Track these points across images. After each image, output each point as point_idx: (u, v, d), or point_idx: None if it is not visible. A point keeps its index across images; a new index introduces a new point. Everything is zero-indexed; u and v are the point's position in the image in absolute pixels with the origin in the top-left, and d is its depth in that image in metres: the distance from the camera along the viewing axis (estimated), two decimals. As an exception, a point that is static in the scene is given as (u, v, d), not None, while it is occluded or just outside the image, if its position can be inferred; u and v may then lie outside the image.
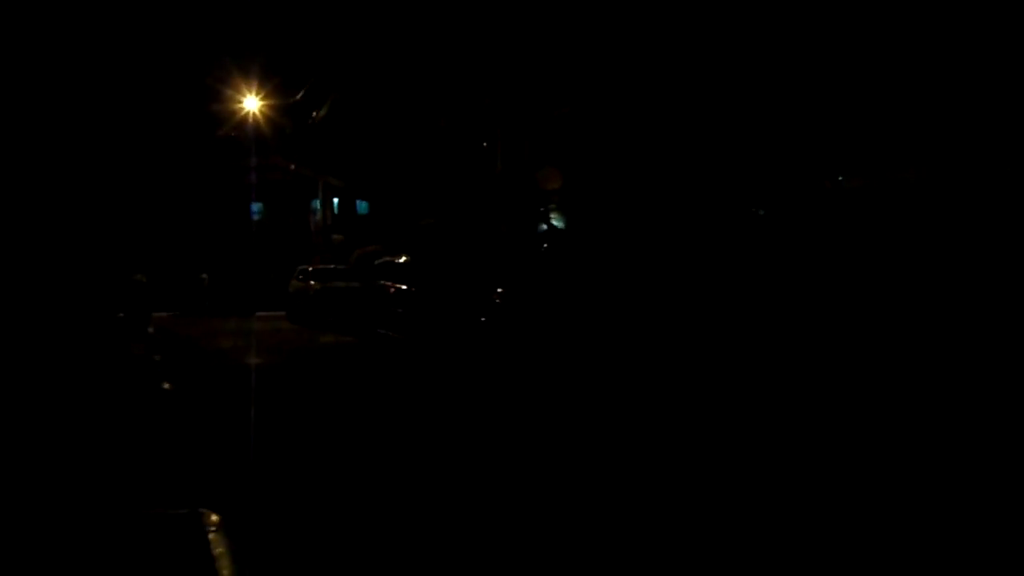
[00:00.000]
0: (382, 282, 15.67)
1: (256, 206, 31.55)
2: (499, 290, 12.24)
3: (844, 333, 9.63)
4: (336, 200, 29.81)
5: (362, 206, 30.26)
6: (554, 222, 18.59)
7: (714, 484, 5.22)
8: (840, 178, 14.50)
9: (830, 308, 10.21)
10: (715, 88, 16.12)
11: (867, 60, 13.68)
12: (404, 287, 14.78)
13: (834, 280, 10.79)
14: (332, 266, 21.24)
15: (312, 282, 19.76)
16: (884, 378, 8.54)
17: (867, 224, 12.28)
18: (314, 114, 26.15)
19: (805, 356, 9.42)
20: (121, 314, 15.35)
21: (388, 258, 16.54)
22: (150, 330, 17.00)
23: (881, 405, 7.79)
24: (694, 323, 10.46)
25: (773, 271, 11.63)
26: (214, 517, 4.07)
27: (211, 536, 3.84)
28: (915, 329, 9.31)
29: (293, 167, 27.94)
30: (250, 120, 25.57)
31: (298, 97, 25.81)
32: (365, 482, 5.30)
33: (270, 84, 25.00)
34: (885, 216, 12.34)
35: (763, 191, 16.21)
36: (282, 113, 26.00)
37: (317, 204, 29.47)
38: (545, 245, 14.68)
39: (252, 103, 25.03)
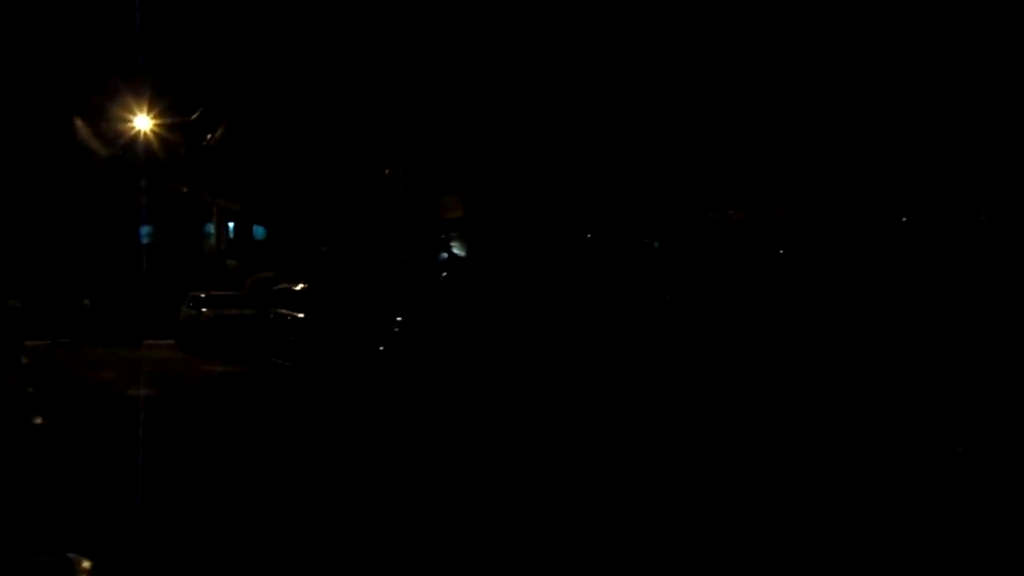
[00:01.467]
0: (278, 310, 15.30)
1: (146, 229, 30.22)
2: (398, 319, 12.17)
3: (715, 347, 10.33)
4: (231, 224, 28.95)
5: (259, 231, 29.50)
6: (455, 250, 18.69)
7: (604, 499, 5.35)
8: (729, 212, 15.28)
9: (708, 329, 10.80)
10: (612, 125, 16.71)
11: (759, 104, 14.51)
12: (301, 315, 14.47)
13: (715, 300, 11.47)
14: (225, 293, 20.55)
15: (204, 309, 19.06)
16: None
17: (746, 252, 13.09)
18: (209, 135, 25.44)
19: (690, 373, 10.00)
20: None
21: (285, 285, 16.17)
22: (24, 360, 16.00)
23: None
24: (584, 352, 10.71)
25: (665, 296, 12.14)
26: (85, 564, 3.86)
27: (80, 583, 3.64)
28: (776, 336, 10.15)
29: (186, 189, 27.00)
30: (141, 139, 24.61)
31: (193, 117, 25.08)
32: (252, 523, 5.13)
33: (163, 103, 24.19)
34: (763, 245, 13.16)
35: (658, 222, 16.86)
36: (176, 133, 25.17)
37: (211, 228, 28.51)
38: (445, 274, 14.73)
39: (143, 122, 24.09)
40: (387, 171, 23.08)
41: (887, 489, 6.06)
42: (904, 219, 11.69)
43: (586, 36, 16.54)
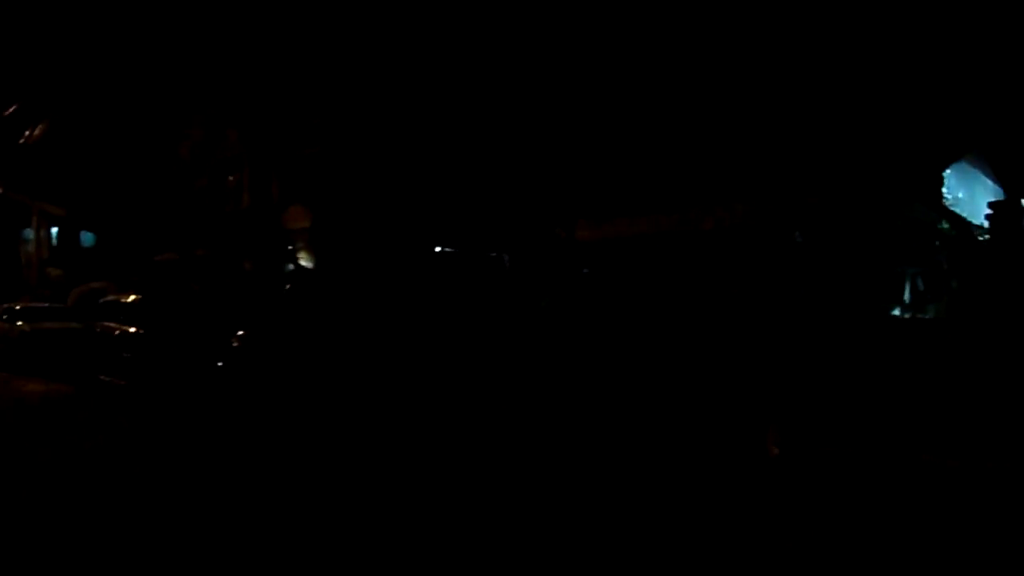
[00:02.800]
0: (106, 323, 14.33)
1: (-48, 234, 27.38)
2: (239, 333, 11.75)
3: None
4: (55, 230, 26.78)
5: (88, 238, 27.45)
6: (301, 262, 18.25)
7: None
8: (559, 229, 15.90)
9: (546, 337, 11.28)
10: (465, 137, 16.93)
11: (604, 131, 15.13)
12: (132, 329, 13.63)
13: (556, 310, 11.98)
14: (46, 304, 18.99)
15: (19, 323, 17.50)
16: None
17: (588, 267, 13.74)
18: (28, 133, 23.46)
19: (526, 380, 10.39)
20: None
21: (115, 296, 15.17)
22: None
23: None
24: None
25: (510, 307, 12.50)
26: None
27: None
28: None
29: (1, 190, 24.74)
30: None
31: (8, 112, 23.06)
32: (72, 560, 4.82)
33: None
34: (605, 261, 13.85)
35: (508, 237, 17.25)
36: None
37: (30, 234, 26.25)
38: (288, 286, 14.35)
39: (-50, 116, 21.92)
40: (232, 178, 22.18)
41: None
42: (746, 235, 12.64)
43: (435, 45, 16.63)
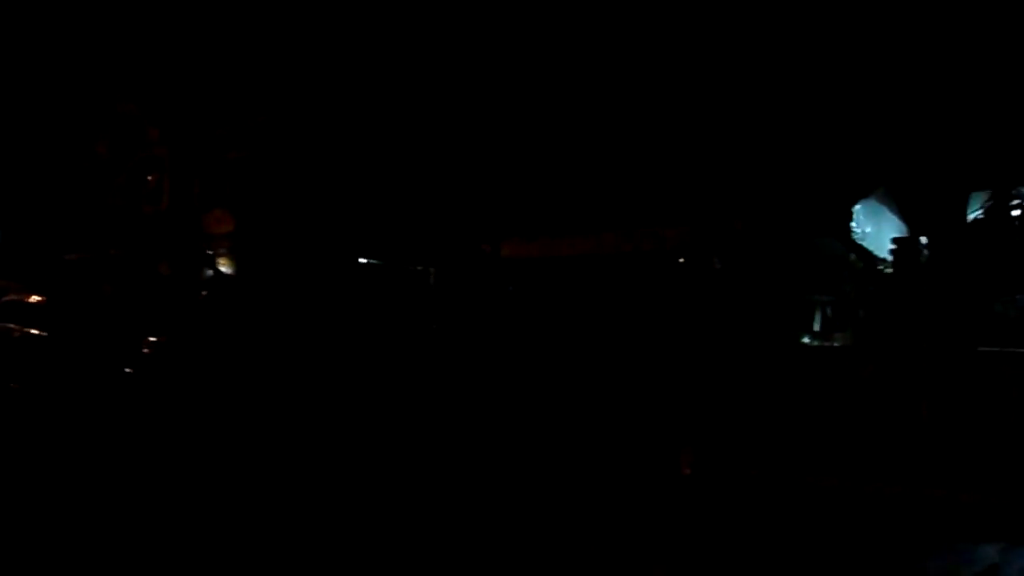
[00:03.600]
0: (6, 324, 13.65)
1: None
2: (151, 339, 11.37)
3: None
4: (-45, 225, 25.30)
5: (-9, 233, 26.04)
6: (221, 268, 17.76)
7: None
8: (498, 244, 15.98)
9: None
10: (393, 148, 16.84)
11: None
12: (35, 331, 13.02)
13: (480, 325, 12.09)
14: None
15: (-90, 321, 16.44)
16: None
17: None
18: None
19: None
20: None
21: (16, 296, 14.45)
22: None
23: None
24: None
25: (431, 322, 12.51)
26: None
27: None
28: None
29: None
30: None
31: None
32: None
33: None
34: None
35: (433, 251, 17.18)
36: None
37: (-74, 228, 24.72)
38: (206, 292, 13.98)
39: None
40: (151, 178, 21.46)
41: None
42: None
43: (364, 50, 16.47)
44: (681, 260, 12.80)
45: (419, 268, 16.38)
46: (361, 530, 6.09)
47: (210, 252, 18.61)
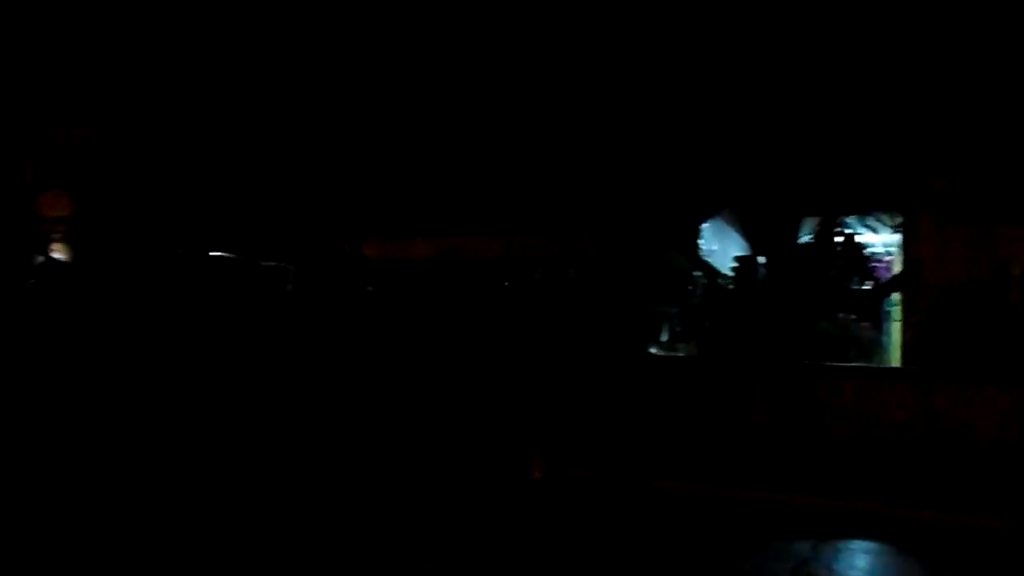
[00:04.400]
0: None
1: None
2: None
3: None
4: None
5: None
6: (54, 254, 16.45)
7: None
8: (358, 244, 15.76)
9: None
10: (252, 140, 16.21)
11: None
12: None
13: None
14: None
15: None
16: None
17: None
18: None
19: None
20: None
21: None
22: None
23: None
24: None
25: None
26: None
27: None
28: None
29: None
30: None
31: None
32: None
33: None
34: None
35: (293, 247, 16.67)
36: None
37: None
38: (34, 279, 12.91)
39: None
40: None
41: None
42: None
43: (216, 32, 15.78)
44: (538, 267, 13.12)
45: (277, 265, 15.86)
46: (182, 529, 5.85)
47: (43, 236, 17.19)
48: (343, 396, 10.62)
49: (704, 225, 14.42)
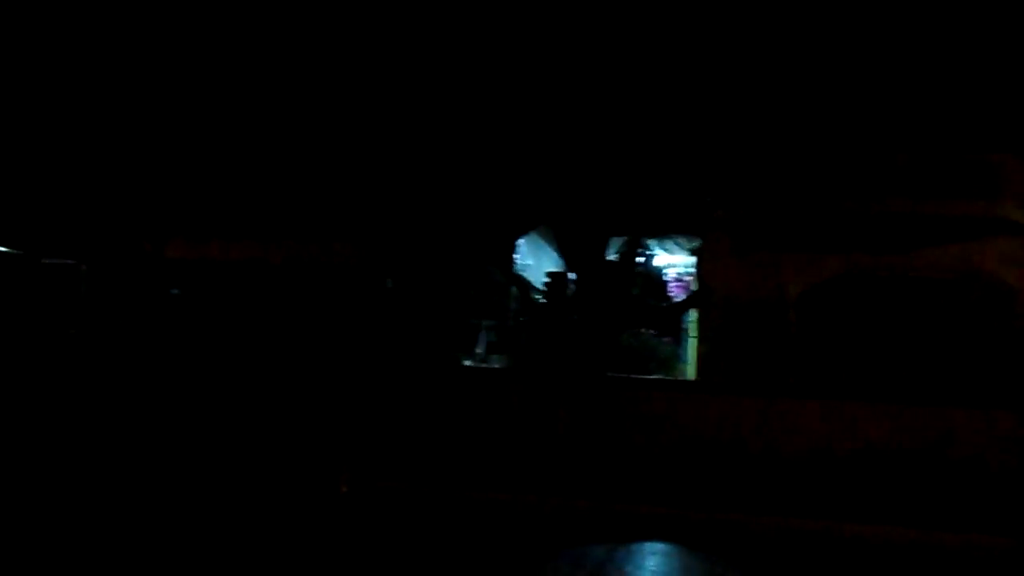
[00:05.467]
0: None
1: None
2: None
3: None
4: None
5: None
6: None
7: None
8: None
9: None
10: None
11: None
12: None
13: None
14: None
15: None
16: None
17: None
18: None
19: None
20: None
21: None
22: None
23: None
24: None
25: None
26: None
27: None
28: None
29: None
30: None
31: None
32: None
33: None
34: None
35: (87, 245, 15.33)
36: None
37: None
38: None
39: None
40: None
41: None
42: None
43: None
44: (355, 277, 12.93)
45: (64, 263, 14.50)
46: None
47: None
48: (136, 406, 9.87)
49: (520, 241, 14.85)
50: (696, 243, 12.35)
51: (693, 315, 13.96)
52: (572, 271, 12.81)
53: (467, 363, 13.40)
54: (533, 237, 15.43)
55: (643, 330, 13.45)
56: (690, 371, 14.10)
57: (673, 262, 13.54)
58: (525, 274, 15.34)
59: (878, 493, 9.62)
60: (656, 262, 12.98)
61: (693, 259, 12.67)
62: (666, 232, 12.08)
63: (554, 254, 15.20)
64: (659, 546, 7.91)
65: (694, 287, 13.45)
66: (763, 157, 12.22)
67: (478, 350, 14.13)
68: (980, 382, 13.24)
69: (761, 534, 8.40)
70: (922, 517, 8.66)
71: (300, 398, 10.04)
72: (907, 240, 13.41)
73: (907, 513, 8.76)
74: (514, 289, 13.62)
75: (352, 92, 12.86)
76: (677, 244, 12.41)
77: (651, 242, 12.17)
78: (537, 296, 13.19)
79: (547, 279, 13.02)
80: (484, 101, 12.24)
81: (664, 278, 14.08)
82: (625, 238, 12.17)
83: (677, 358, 14.40)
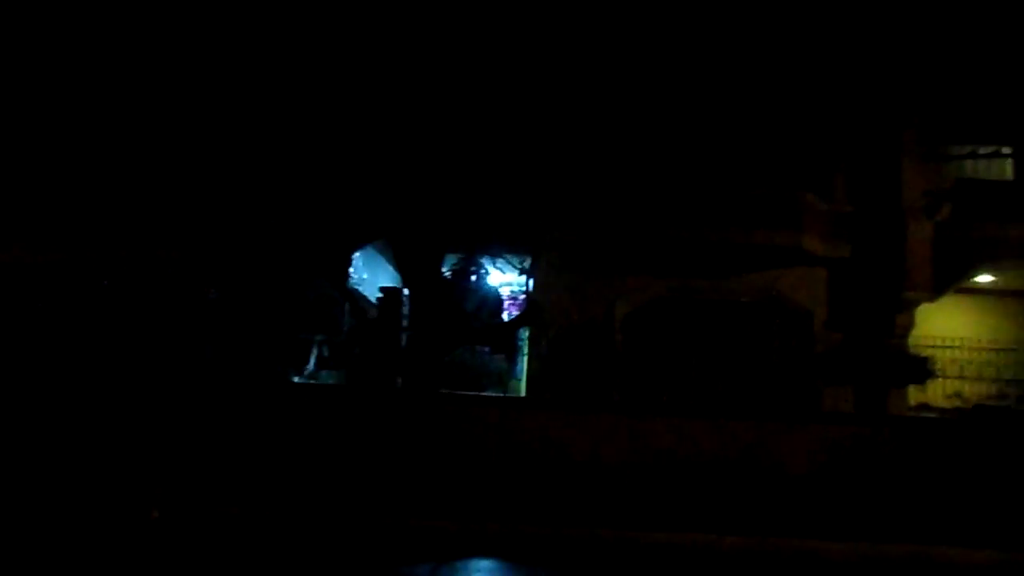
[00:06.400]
0: None
1: None
2: None
3: None
4: None
5: None
6: None
7: None
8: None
9: None
10: None
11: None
12: None
13: None
14: None
15: None
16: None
17: None
18: None
19: None
20: None
21: None
22: None
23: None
24: None
25: None
26: None
27: None
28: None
29: None
30: None
31: None
32: None
33: None
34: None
35: None
36: None
37: None
38: None
39: None
40: None
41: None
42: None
43: None
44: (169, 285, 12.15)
45: None
46: None
47: None
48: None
49: (356, 254, 14.57)
50: (528, 262, 12.63)
51: (527, 333, 14.26)
52: (408, 287, 12.71)
53: (295, 379, 12.95)
54: (370, 251, 15.19)
55: (477, 347, 13.57)
56: (523, 387, 14.36)
57: (508, 280, 13.78)
58: (360, 288, 15.06)
59: (695, 501, 10.19)
60: (492, 280, 13.14)
61: (527, 278, 12.95)
62: (500, 250, 12.27)
63: (391, 269, 15.04)
64: (484, 563, 7.95)
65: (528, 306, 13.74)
66: (591, 185, 12.73)
67: (308, 366, 13.69)
68: (784, 397, 14.42)
69: (583, 545, 8.65)
70: (736, 522, 9.21)
71: (108, 415, 9.27)
72: (721, 266, 14.41)
73: (722, 519, 9.31)
74: (347, 304, 13.34)
75: (170, 92, 12.13)
76: (510, 263, 12.64)
77: (485, 260, 12.31)
78: (371, 311, 12.98)
79: (380, 295, 12.86)
80: (320, 110, 11.93)
81: (499, 296, 14.29)
82: (460, 255, 12.25)
83: (511, 375, 14.62)
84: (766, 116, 14.67)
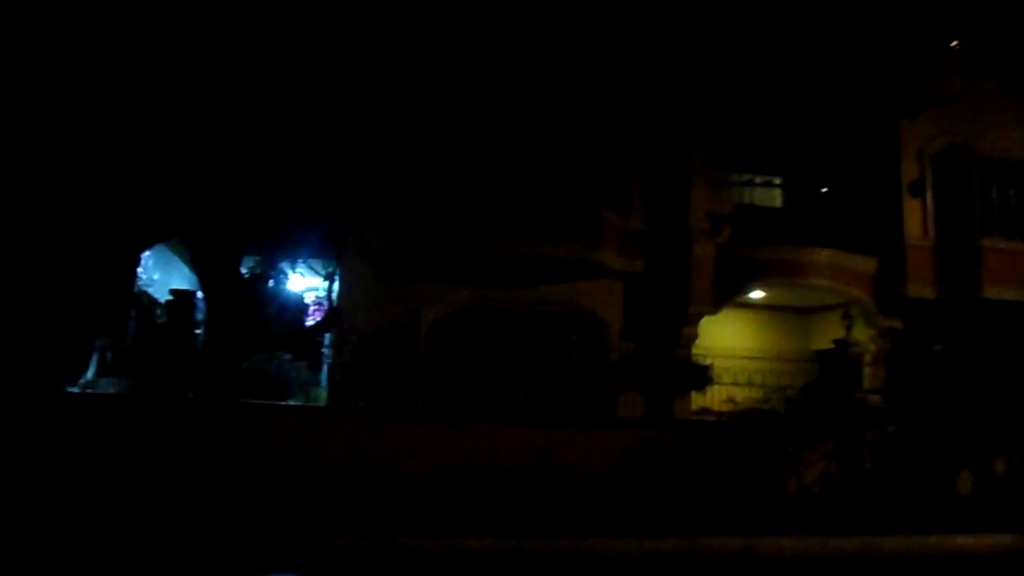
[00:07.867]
0: None
1: None
2: None
3: None
4: None
5: None
6: None
7: None
8: None
9: None
10: None
11: None
12: None
13: None
14: None
15: None
16: None
17: None
18: None
19: None
20: None
21: None
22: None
23: None
24: None
25: None
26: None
27: None
28: None
29: None
30: None
31: None
32: None
33: None
34: None
35: None
36: None
37: None
38: None
39: None
40: None
41: None
42: None
43: None
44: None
45: None
46: None
47: None
48: None
49: (146, 253, 13.50)
50: (331, 267, 12.33)
51: (331, 339, 13.89)
52: (204, 289, 11.95)
53: (71, 389, 11.79)
54: (163, 250, 14.16)
55: (278, 354, 13.02)
56: (326, 395, 13.97)
57: (312, 285, 13.37)
58: (150, 290, 13.96)
59: (493, 508, 10.39)
60: (294, 285, 12.67)
61: (331, 283, 12.63)
62: (302, 253, 11.86)
63: (187, 270, 14.09)
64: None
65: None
66: (397, 193, 12.69)
67: (86, 374, 12.50)
68: (582, 403, 15.11)
69: (383, 555, 8.59)
70: (531, 527, 9.46)
71: None
72: (524, 277, 14.86)
73: (515, 524, 9.54)
74: (133, 307, 12.33)
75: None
76: (312, 267, 12.27)
77: (286, 263, 11.86)
78: (160, 314, 12.10)
79: (170, 297, 12.01)
80: (111, 97, 10.95)
81: (301, 300, 13.83)
82: (259, 257, 11.72)
83: (313, 383, 14.16)
84: (568, 132, 15.38)
